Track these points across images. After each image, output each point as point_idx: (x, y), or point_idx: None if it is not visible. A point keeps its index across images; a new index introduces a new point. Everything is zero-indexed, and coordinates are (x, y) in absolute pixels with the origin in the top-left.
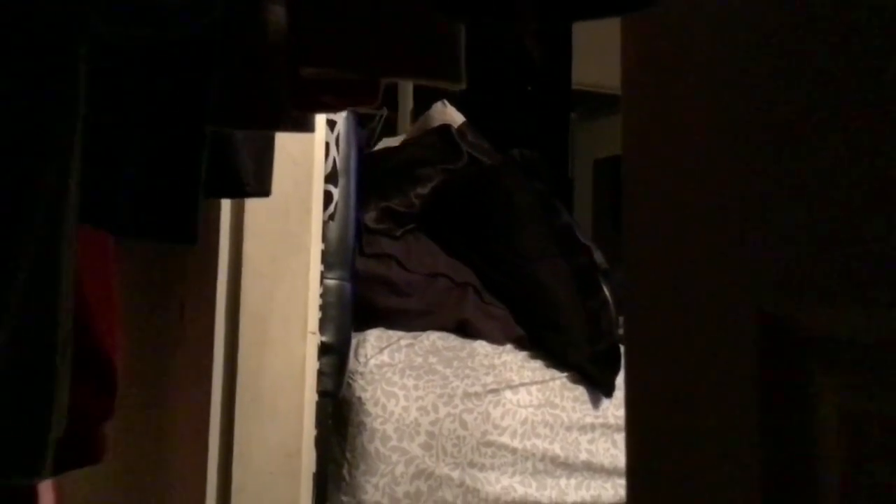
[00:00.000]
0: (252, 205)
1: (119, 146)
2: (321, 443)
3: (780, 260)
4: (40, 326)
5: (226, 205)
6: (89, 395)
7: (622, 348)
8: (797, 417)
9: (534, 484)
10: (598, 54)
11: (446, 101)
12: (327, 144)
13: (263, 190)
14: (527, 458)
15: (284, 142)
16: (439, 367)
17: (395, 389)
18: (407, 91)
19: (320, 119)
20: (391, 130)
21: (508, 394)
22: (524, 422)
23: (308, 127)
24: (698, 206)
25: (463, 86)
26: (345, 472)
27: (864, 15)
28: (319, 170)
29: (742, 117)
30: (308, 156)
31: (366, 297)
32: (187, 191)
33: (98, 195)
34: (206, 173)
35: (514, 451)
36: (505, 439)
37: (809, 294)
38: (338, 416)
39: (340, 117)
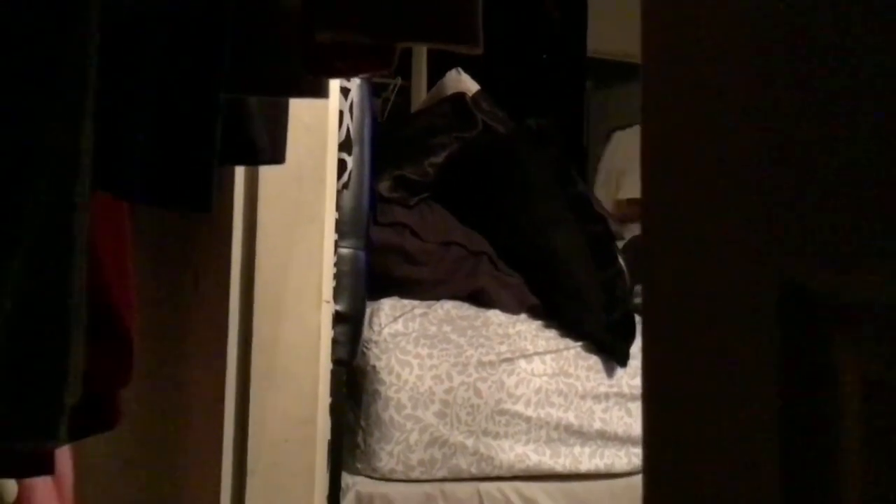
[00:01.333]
0: (266, 173)
1: (133, 111)
2: (336, 411)
3: (802, 225)
4: (51, 291)
5: (239, 173)
6: (105, 360)
7: (637, 317)
8: (818, 384)
9: (548, 452)
10: (613, 22)
11: (460, 70)
12: (341, 112)
13: (277, 157)
14: (541, 427)
15: (298, 109)
16: (453, 336)
17: (410, 358)
18: (421, 60)
19: (334, 87)
20: (405, 100)
21: (523, 363)
22: (538, 390)
23: (322, 93)
24: (720, 172)
25: (480, 50)
26: (359, 439)
27: None
28: (333, 138)
29: (767, 81)
30: (322, 124)
31: (380, 266)
32: (202, 158)
33: (112, 161)
34: (220, 140)
35: (528, 419)
36: (519, 408)
37: (831, 260)
38: (352, 384)
39: (354, 85)
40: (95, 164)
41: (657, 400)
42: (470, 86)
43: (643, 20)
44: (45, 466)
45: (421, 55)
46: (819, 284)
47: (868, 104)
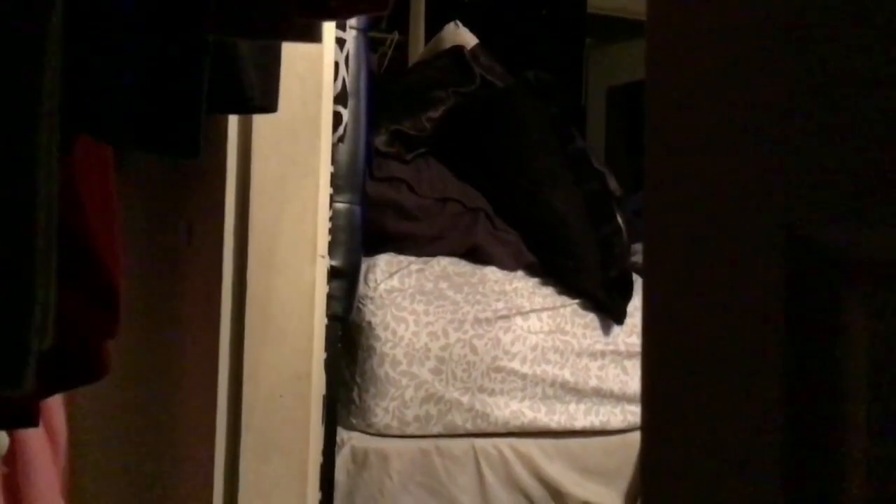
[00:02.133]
0: (259, 125)
1: (117, 53)
2: (331, 366)
3: (811, 181)
4: (11, 231)
5: (233, 125)
6: (89, 308)
7: (635, 276)
8: (824, 338)
9: (543, 409)
10: None
11: (459, 23)
12: (336, 64)
13: (269, 105)
14: (536, 384)
15: (292, 60)
16: (450, 293)
17: (405, 314)
18: (419, 14)
19: (329, 37)
20: (403, 55)
21: (519, 320)
22: (534, 348)
23: (315, 36)
24: (727, 126)
25: None
26: (355, 395)
27: None
28: (329, 90)
29: (775, 37)
30: (317, 75)
31: (376, 221)
32: (188, 100)
33: (95, 104)
34: (209, 85)
35: (523, 376)
36: (515, 365)
37: (840, 215)
38: (348, 340)
39: (350, 37)
40: (79, 107)
41: (657, 357)
42: (468, 39)
43: None
44: (29, 419)
45: (419, 9)
46: (828, 239)
47: (875, 62)
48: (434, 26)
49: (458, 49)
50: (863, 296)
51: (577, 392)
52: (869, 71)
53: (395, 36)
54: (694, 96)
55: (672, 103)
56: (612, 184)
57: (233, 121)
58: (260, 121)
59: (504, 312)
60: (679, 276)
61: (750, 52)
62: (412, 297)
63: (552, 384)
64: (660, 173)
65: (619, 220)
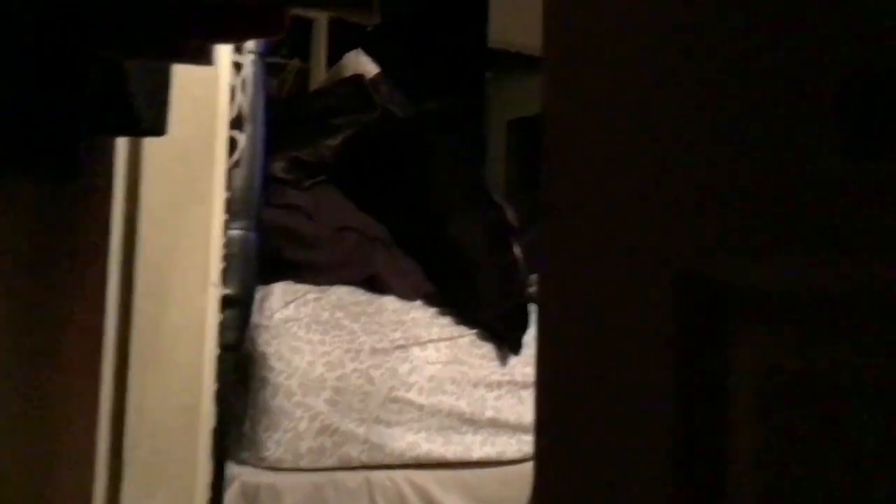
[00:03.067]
0: (151, 148)
1: None
2: (221, 397)
3: (696, 216)
4: None
5: (122, 148)
6: None
7: (531, 306)
8: (712, 371)
9: (439, 440)
10: (513, 13)
11: (361, 51)
12: (233, 88)
13: (159, 127)
14: (433, 415)
15: (186, 83)
16: (346, 322)
17: (301, 344)
18: (320, 42)
19: (224, 60)
20: (304, 83)
21: (416, 350)
22: (431, 378)
23: (207, 59)
24: (616, 165)
25: (376, 20)
26: (246, 427)
27: None
28: (224, 114)
29: (665, 75)
30: (211, 98)
31: (272, 248)
32: (66, 119)
33: None
34: (95, 106)
35: (420, 407)
36: (412, 395)
37: (724, 249)
38: (240, 370)
39: (247, 60)
40: None
41: (550, 388)
42: (369, 68)
43: (545, 12)
44: None
45: (320, 37)
46: (714, 273)
47: (756, 101)
48: (336, 54)
49: (359, 77)
50: (749, 327)
51: (473, 423)
52: (752, 102)
53: (297, 62)
54: (587, 130)
55: (565, 141)
56: (511, 215)
57: (122, 143)
58: (151, 144)
59: (401, 342)
60: (572, 308)
61: (636, 90)
62: (308, 327)
63: (448, 415)
64: (554, 205)
65: (517, 251)
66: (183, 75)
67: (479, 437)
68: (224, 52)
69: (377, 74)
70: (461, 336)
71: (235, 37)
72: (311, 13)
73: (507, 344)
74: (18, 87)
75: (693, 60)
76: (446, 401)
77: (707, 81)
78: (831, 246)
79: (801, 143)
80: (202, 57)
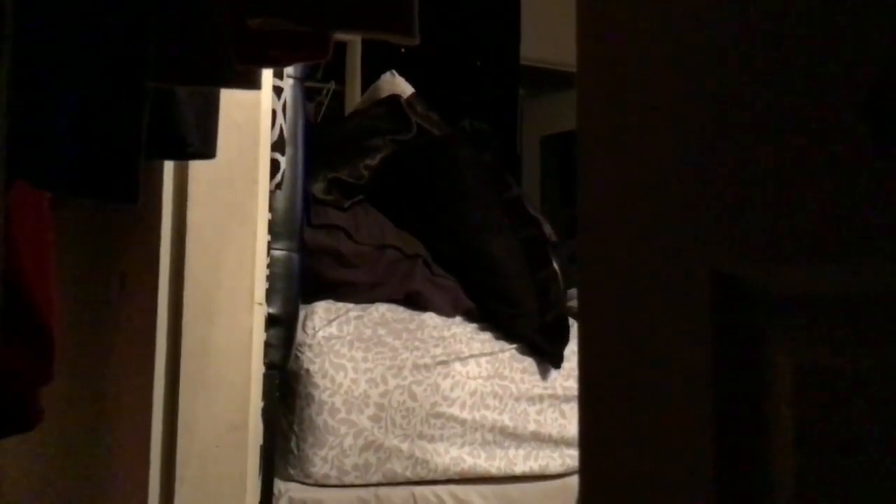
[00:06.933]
0: (196, 172)
1: (55, 98)
2: (268, 415)
3: (733, 220)
4: None
5: (168, 172)
6: (24, 358)
7: (570, 320)
8: (751, 376)
9: (483, 454)
10: (545, 31)
11: (395, 72)
12: (274, 112)
13: (208, 151)
14: (476, 429)
15: (229, 108)
16: (388, 339)
17: (344, 361)
18: (355, 64)
19: (266, 85)
20: (339, 104)
21: (458, 365)
22: (473, 393)
23: (254, 84)
24: (651, 173)
25: (415, 41)
26: (293, 444)
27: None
28: (266, 137)
29: (696, 85)
30: (254, 122)
31: (314, 268)
32: (127, 146)
33: (32, 148)
34: (147, 132)
35: (463, 422)
36: (454, 410)
37: (761, 252)
38: (285, 388)
39: (287, 85)
40: (15, 152)
41: (593, 400)
42: (405, 88)
43: (578, 28)
44: None
45: (355, 59)
46: (751, 277)
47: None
48: (370, 76)
49: (395, 98)
50: (784, 330)
51: (516, 437)
52: (786, 109)
53: (332, 85)
54: (622, 144)
55: (601, 151)
56: (548, 230)
57: (168, 167)
58: (196, 167)
59: (443, 358)
60: (612, 320)
61: (671, 101)
62: (350, 344)
63: (491, 429)
64: (591, 219)
65: (555, 265)
66: (226, 100)
67: (522, 452)
68: (266, 77)
69: (411, 94)
70: (502, 351)
71: (282, 61)
72: (346, 37)
73: (548, 358)
74: (81, 116)
75: (725, 70)
76: (489, 415)
77: (740, 91)
78: (868, 248)
79: (834, 148)
80: (250, 81)
